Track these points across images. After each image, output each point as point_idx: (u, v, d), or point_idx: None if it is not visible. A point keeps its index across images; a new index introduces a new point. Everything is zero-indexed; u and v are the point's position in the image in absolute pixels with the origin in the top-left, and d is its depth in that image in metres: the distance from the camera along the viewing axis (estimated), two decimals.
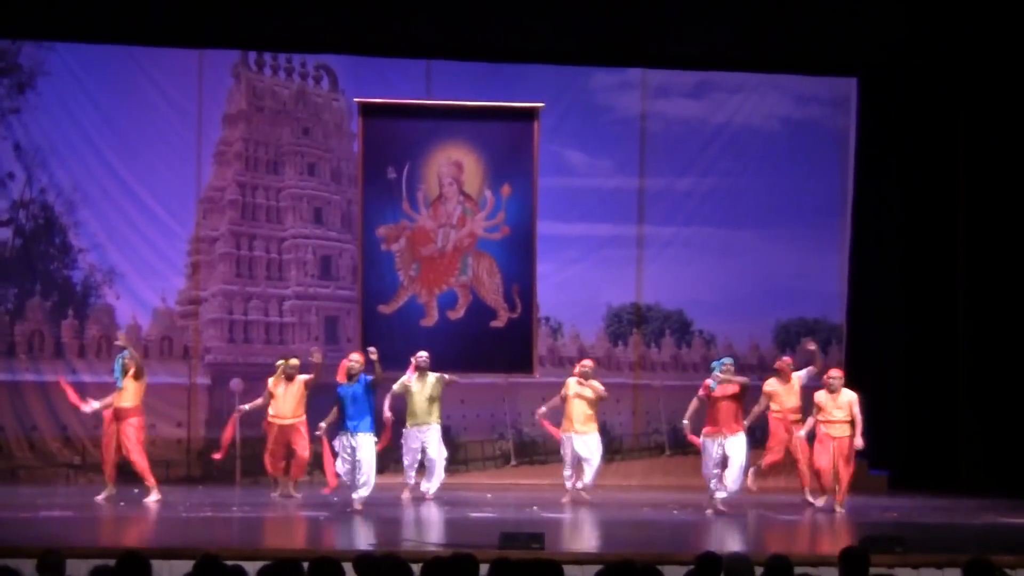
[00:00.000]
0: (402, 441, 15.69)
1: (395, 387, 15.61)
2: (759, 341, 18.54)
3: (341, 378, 14.13)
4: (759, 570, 7.64)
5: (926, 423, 18.12)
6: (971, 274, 18.11)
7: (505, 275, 17.89)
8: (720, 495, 14.32)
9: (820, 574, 9.76)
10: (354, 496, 13.96)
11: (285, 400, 15.41)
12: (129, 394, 14.81)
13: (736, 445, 14.31)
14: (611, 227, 18.41)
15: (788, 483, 16.39)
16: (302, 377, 15.40)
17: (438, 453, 15.66)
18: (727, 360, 14.63)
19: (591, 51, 17.93)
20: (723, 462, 14.34)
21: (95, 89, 17.55)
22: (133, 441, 14.79)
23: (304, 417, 15.31)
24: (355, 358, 14.09)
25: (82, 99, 17.50)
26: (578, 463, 15.61)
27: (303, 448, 15.39)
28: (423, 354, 15.71)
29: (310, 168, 18.05)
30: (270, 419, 15.52)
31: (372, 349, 14.45)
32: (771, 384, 15.84)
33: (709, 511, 14.30)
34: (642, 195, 18.41)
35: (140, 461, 14.83)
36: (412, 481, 15.78)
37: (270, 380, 15.61)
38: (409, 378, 15.60)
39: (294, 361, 15.58)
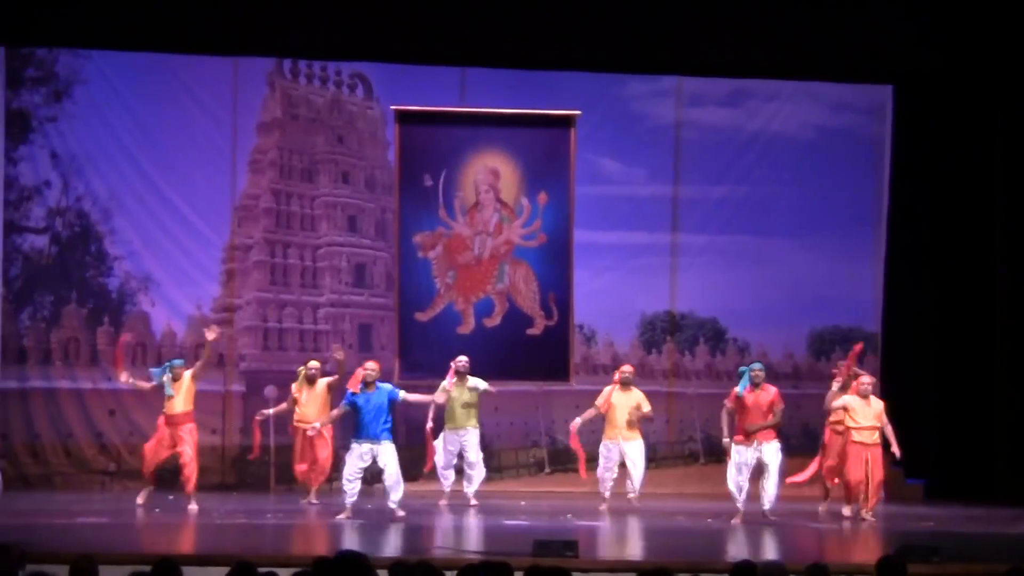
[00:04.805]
0: (436, 444, 15.73)
1: (436, 396, 15.40)
2: (793, 349, 18.48)
3: (353, 386, 14.03)
4: None
5: (962, 432, 18.01)
6: (1008, 282, 17.98)
7: (542, 283, 17.85)
8: (765, 507, 14.23)
9: None
10: (390, 504, 13.93)
11: (308, 405, 15.44)
12: (182, 400, 14.69)
13: (772, 452, 14.24)
14: (645, 235, 18.39)
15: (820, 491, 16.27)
16: (324, 380, 15.42)
17: (477, 456, 15.70)
18: (756, 365, 14.50)
19: (626, 59, 17.86)
20: (758, 469, 14.26)
21: (131, 97, 17.62)
22: (192, 449, 14.66)
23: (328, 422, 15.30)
24: (371, 366, 14.03)
25: (118, 107, 17.57)
26: (623, 469, 15.60)
27: (324, 453, 15.39)
28: (463, 358, 15.69)
29: (344, 176, 18.08)
30: (295, 423, 15.57)
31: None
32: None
33: (735, 521, 14.17)
34: (676, 203, 18.39)
35: (194, 469, 14.72)
36: (448, 484, 15.80)
37: (293, 385, 15.66)
38: (450, 383, 15.57)
39: (313, 363, 15.61)
